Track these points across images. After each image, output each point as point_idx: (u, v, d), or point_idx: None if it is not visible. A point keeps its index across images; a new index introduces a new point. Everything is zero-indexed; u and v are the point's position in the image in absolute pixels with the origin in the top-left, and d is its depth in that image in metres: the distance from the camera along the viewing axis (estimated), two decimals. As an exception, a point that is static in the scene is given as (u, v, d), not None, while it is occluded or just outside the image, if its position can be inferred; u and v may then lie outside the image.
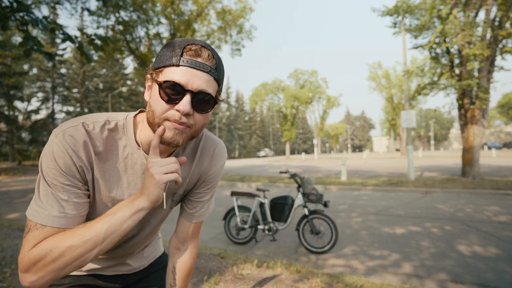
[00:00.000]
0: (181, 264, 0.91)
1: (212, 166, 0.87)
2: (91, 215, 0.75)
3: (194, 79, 0.63)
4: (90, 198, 0.72)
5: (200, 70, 0.63)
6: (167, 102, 0.63)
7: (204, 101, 0.66)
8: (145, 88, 0.72)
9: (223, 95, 0.76)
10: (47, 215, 0.64)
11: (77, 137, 0.65)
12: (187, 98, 0.63)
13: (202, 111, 0.67)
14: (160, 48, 0.67)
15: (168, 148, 0.74)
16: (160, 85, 0.63)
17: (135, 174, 0.75)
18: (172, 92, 0.63)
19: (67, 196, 0.65)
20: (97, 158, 0.69)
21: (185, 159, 0.69)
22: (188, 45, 0.64)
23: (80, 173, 0.67)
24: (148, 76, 0.68)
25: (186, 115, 0.64)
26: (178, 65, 0.62)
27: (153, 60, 0.67)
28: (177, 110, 0.63)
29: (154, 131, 0.67)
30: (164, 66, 0.64)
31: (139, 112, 0.77)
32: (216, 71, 0.66)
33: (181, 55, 0.63)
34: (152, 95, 0.66)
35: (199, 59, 0.63)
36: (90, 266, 0.89)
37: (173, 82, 0.62)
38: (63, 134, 0.64)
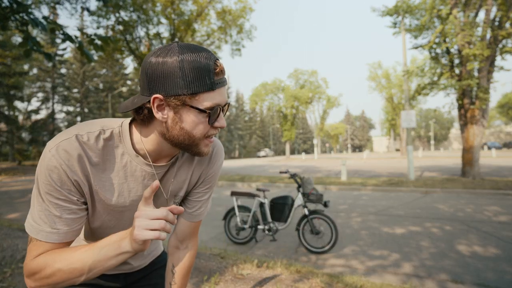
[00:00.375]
0: (180, 262, 0.92)
1: (211, 166, 0.88)
2: (93, 221, 0.76)
3: (224, 96, 0.68)
4: (88, 210, 0.73)
5: (226, 85, 0.69)
6: (211, 124, 0.68)
7: (227, 109, 0.73)
8: None
9: None
10: (40, 230, 0.66)
11: (71, 151, 0.64)
12: (221, 114, 0.70)
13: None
14: (179, 68, 0.61)
15: (172, 151, 0.75)
16: (203, 111, 0.65)
17: (136, 181, 0.75)
18: (214, 114, 0.68)
19: (59, 212, 0.66)
20: (94, 169, 0.69)
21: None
22: (215, 65, 0.65)
23: (76, 187, 0.67)
24: (162, 97, 0.63)
25: None
26: (214, 89, 0.65)
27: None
28: (216, 127, 0.70)
29: (187, 148, 0.71)
30: (201, 92, 0.64)
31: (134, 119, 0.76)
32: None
33: (214, 76, 0.65)
34: (185, 120, 0.66)
35: (223, 76, 0.68)
36: None
37: (217, 105, 0.66)
38: (56, 149, 0.64)
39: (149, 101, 0.64)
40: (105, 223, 0.78)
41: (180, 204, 0.93)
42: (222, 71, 0.66)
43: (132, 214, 0.79)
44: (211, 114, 0.66)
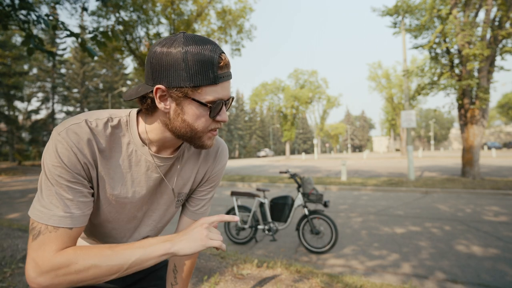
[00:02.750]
0: (182, 263, 0.92)
1: (216, 165, 0.89)
2: (94, 214, 0.75)
3: (228, 90, 0.68)
4: (94, 196, 0.72)
5: (230, 79, 0.68)
6: (213, 118, 0.68)
7: (230, 104, 0.72)
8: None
9: None
10: (52, 215, 0.62)
11: (81, 134, 0.65)
12: (224, 108, 0.69)
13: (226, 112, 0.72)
14: (184, 60, 0.61)
15: (175, 142, 0.75)
16: (205, 104, 0.65)
17: (139, 171, 0.75)
18: (217, 108, 0.67)
19: (72, 195, 0.64)
20: (101, 155, 0.69)
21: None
22: (219, 58, 0.64)
23: (85, 170, 0.66)
24: (164, 88, 0.63)
25: None
26: (217, 83, 0.64)
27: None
28: (218, 121, 0.69)
29: (190, 140, 0.71)
30: (203, 86, 0.63)
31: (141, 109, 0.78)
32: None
33: (218, 70, 0.64)
34: (187, 112, 0.66)
35: (228, 70, 0.67)
36: None
37: (219, 100, 0.66)
38: (66, 132, 0.64)
39: (152, 91, 0.65)
40: (105, 215, 0.76)
41: (184, 203, 0.93)
42: (226, 65, 0.65)
43: (132, 208, 0.78)
44: (213, 108, 0.66)
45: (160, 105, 0.66)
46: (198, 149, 0.85)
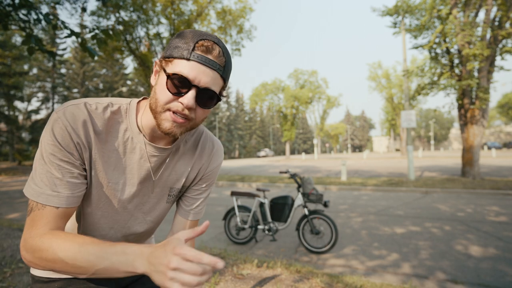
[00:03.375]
0: None
1: (211, 164, 0.89)
2: (86, 197, 0.75)
3: (202, 75, 0.64)
4: (87, 179, 0.72)
5: (209, 67, 0.64)
6: (173, 93, 0.65)
7: (208, 98, 0.67)
8: (145, 87, 0.72)
9: (225, 92, 0.77)
10: (41, 193, 0.64)
11: (77, 115, 0.66)
12: (192, 93, 0.64)
13: (205, 106, 0.68)
14: (173, 37, 0.68)
15: (167, 136, 0.75)
16: (168, 76, 0.64)
17: (133, 158, 0.75)
18: (179, 84, 0.64)
19: (61, 174, 0.65)
20: (97, 138, 0.69)
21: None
22: (201, 39, 0.64)
23: (78, 150, 0.67)
24: (157, 61, 0.69)
25: (189, 108, 0.66)
26: (188, 59, 0.63)
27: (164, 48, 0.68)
28: (180, 103, 0.65)
29: (155, 117, 0.68)
30: (175, 57, 0.65)
31: (143, 99, 0.79)
32: (224, 69, 0.67)
33: (193, 49, 0.63)
34: (158, 83, 0.67)
35: (209, 56, 0.64)
36: None
37: (182, 76, 0.63)
38: (63, 111, 0.65)
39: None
40: (95, 201, 0.75)
41: (178, 202, 0.92)
42: (208, 50, 0.64)
43: (122, 197, 0.76)
44: (171, 79, 0.64)
45: (152, 79, 0.69)
46: (193, 146, 0.85)
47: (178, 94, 0.65)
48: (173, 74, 0.63)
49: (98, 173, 0.72)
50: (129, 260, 0.57)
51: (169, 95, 0.65)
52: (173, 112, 0.66)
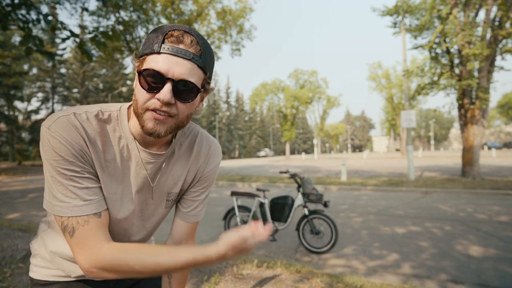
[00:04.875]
0: None
1: (208, 165, 0.86)
2: None
3: (175, 67, 0.60)
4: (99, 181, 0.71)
5: (182, 57, 0.61)
6: (148, 90, 0.62)
7: (186, 90, 0.63)
8: None
9: (213, 85, 0.73)
10: (73, 206, 0.63)
11: (70, 126, 0.63)
12: (167, 87, 0.61)
13: (185, 100, 0.64)
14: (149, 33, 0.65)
15: (158, 139, 0.72)
16: (140, 73, 0.62)
17: (130, 166, 0.73)
18: (153, 80, 0.61)
19: (79, 183, 0.64)
20: (93, 148, 0.67)
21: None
22: (170, 31, 0.61)
23: (83, 158, 0.65)
24: (136, 64, 0.66)
25: (167, 104, 0.62)
26: (159, 53, 0.60)
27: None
28: (157, 99, 0.62)
29: (138, 120, 0.66)
30: (147, 54, 0.62)
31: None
32: (201, 58, 0.63)
33: (163, 42, 0.60)
34: (136, 84, 0.65)
35: (181, 46, 0.61)
36: (79, 272, 0.82)
37: (153, 70, 0.60)
38: (55, 125, 0.62)
39: None
40: None
41: (176, 204, 0.90)
42: (178, 40, 0.61)
43: (121, 205, 0.75)
44: (144, 76, 0.61)
45: (134, 84, 0.67)
46: (189, 148, 0.83)
47: (153, 90, 0.62)
48: (144, 70, 0.61)
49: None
50: (206, 251, 0.64)
51: (145, 94, 0.62)
52: (153, 111, 0.63)
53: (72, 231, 0.63)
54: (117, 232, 0.79)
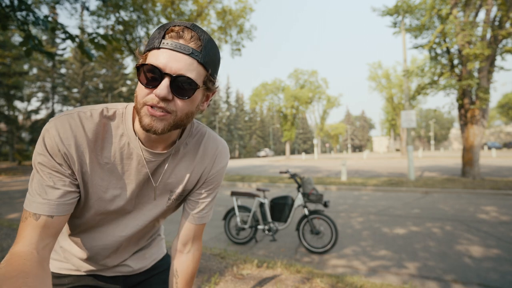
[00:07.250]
0: (183, 267, 0.87)
1: (214, 166, 0.84)
2: (84, 205, 0.74)
3: (173, 62, 0.59)
4: (80, 188, 0.70)
5: (181, 52, 0.60)
6: (146, 85, 0.62)
7: (184, 86, 0.62)
8: None
9: (217, 84, 0.70)
10: (33, 201, 0.64)
11: (68, 125, 0.65)
12: (165, 82, 0.60)
13: (182, 96, 0.62)
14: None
15: (161, 138, 0.72)
16: (138, 68, 0.62)
17: (131, 164, 0.73)
18: (151, 75, 0.61)
19: (52, 182, 0.64)
20: (92, 146, 0.68)
21: None
22: (172, 26, 0.61)
23: (66, 161, 0.65)
24: (139, 60, 0.67)
25: (164, 100, 0.61)
26: (159, 48, 0.60)
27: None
28: (156, 95, 0.61)
29: (138, 116, 0.65)
30: (148, 50, 0.62)
31: None
32: (201, 53, 0.62)
33: (163, 37, 0.61)
34: (139, 82, 0.66)
35: (180, 41, 0.60)
36: (89, 267, 0.86)
37: (150, 65, 0.60)
38: (55, 122, 0.64)
39: None
40: (95, 208, 0.74)
41: (183, 205, 0.90)
42: (178, 35, 0.60)
43: (122, 202, 0.75)
44: (143, 71, 0.61)
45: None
46: (195, 148, 0.82)
47: (151, 85, 0.61)
48: (142, 64, 0.61)
49: (95, 181, 0.71)
50: None
51: (144, 89, 0.62)
52: (151, 107, 0.62)
53: (20, 221, 0.65)
54: (117, 226, 0.81)
